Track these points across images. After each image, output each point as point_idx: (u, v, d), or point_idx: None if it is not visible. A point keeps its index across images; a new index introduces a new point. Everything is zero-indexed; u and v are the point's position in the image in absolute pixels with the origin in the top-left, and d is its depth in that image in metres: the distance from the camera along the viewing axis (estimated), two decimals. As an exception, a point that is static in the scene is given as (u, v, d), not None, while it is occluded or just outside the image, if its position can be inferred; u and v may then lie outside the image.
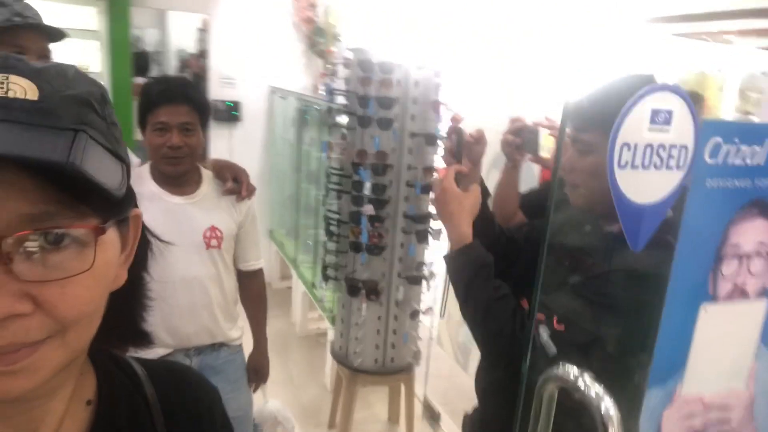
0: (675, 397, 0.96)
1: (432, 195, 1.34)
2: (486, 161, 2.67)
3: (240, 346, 1.90)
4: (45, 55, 1.53)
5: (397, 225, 2.41)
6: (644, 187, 0.80)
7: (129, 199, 0.51)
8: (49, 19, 1.55)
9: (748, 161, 0.87)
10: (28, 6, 1.48)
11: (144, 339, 0.62)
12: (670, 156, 0.80)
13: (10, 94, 0.42)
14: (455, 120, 1.42)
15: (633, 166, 0.78)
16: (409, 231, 2.41)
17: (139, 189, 1.67)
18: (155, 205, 1.67)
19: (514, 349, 1.14)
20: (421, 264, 2.50)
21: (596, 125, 1.18)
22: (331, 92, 2.41)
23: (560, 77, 2.63)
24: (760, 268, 0.95)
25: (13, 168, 0.40)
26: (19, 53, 1.46)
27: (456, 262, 1.23)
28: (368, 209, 2.32)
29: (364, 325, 2.51)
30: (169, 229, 1.61)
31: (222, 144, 4.27)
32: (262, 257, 1.95)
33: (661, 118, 0.78)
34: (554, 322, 1.14)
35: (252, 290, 1.94)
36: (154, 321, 1.69)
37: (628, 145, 0.77)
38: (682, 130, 0.80)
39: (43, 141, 0.41)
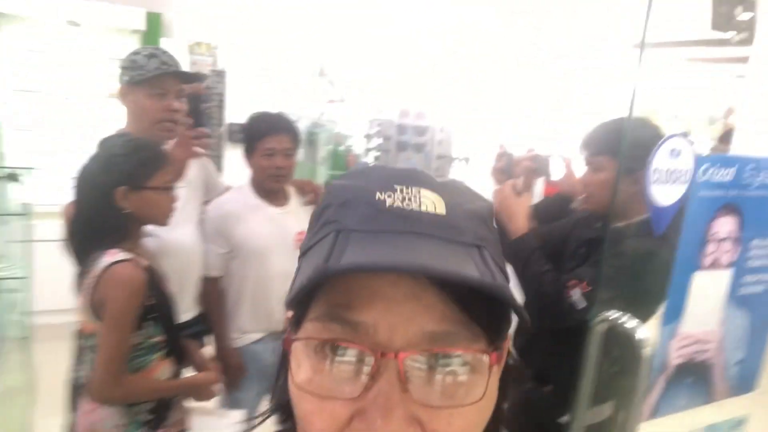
0: (676, 333, 1.46)
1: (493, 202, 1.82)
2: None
3: None
4: (180, 95, 1.93)
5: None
6: (664, 194, 1.30)
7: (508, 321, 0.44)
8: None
9: (723, 179, 1.40)
10: (171, 55, 1.88)
11: None
12: (678, 176, 1.31)
13: (423, 208, 0.42)
14: (502, 148, 1.92)
15: (659, 182, 1.29)
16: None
17: (244, 201, 2.10)
18: (259, 214, 2.08)
19: (556, 305, 1.63)
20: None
21: (606, 151, 1.70)
22: (370, 122, 2.87)
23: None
24: (728, 248, 1.47)
25: (423, 282, 0.39)
26: (161, 95, 1.88)
27: (518, 245, 1.71)
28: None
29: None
30: (270, 233, 2.04)
31: (238, 163, 4.63)
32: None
33: (675, 154, 1.29)
34: (584, 285, 1.64)
35: None
36: (256, 309, 2.20)
37: (658, 169, 1.27)
38: (686, 160, 1.31)
39: (457, 257, 0.40)
